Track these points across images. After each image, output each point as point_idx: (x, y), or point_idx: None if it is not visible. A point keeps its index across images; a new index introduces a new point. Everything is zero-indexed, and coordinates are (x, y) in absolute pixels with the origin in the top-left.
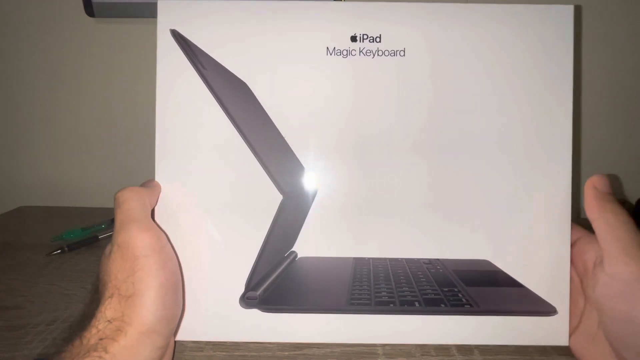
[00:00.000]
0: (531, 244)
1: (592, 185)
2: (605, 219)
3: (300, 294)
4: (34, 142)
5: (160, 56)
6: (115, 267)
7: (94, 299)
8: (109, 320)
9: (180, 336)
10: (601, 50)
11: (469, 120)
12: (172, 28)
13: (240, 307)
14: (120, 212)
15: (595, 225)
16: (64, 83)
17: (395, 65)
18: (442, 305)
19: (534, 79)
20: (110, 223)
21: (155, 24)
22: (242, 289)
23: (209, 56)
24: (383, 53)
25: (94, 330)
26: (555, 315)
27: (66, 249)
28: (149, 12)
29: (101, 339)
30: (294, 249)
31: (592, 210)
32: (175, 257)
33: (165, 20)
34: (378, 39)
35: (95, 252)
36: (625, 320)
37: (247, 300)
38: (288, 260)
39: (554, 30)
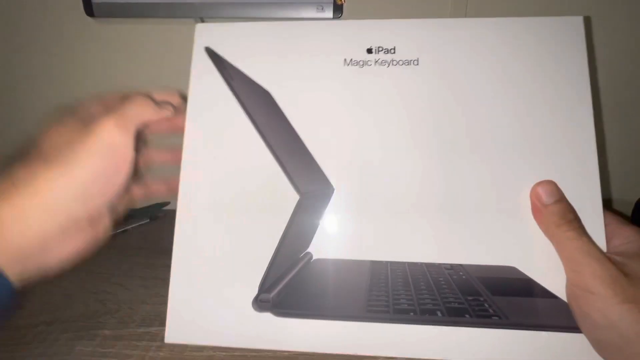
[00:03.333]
0: None
1: (537, 197)
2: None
3: (315, 298)
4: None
5: (195, 69)
6: (69, 134)
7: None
8: (13, 183)
9: (186, 339)
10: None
11: (489, 125)
12: (206, 46)
13: (252, 312)
14: (122, 106)
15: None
16: (64, 83)
17: (410, 74)
18: (467, 316)
19: (552, 85)
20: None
21: (155, 24)
22: (254, 292)
23: (237, 69)
24: (397, 63)
25: None
26: None
27: None
28: (149, 12)
29: None
30: (309, 250)
31: (542, 229)
32: (127, 165)
33: (201, 40)
34: (392, 51)
35: (95, 252)
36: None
37: (260, 302)
38: (303, 262)
39: (567, 39)
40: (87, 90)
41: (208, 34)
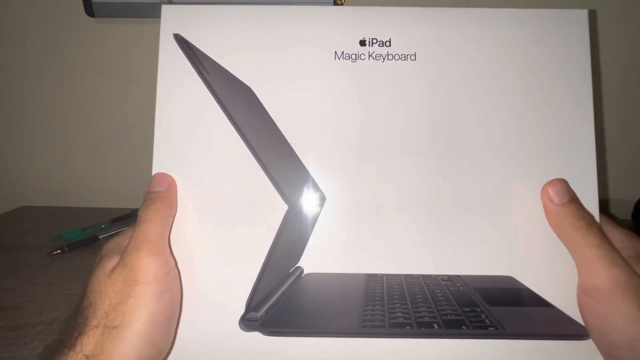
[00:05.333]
0: (557, 258)
1: (548, 198)
2: (575, 244)
3: (307, 315)
4: (35, 142)
5: (162, 60)
6: (113, 289)
7: (76, 321)
8: (86, 356)
9: None
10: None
11: (486, 124)
12: (176, 32)
13: (239, 331)
14: (138, 231)
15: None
16: (64, 83)
17: (406, 69)
18: (464, 328)
19: (552, 80)
20: (111, 223)
21: (155, 24)
22: (241, 310)
23: (213, 60)
24: (393, 57)
25: None
26: (590, 339)
27: (66, 249)
28: (149, 12)
29: None
30: (299, 264)
31: (556, 231)
32: (178, 286)
33: (169, 25)
34: (388, 43)
35: (95, 252)
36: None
37: (248, 322)
38: (293, 277)
39: (570, 33)
40: (87, 91)
41: (177, 18)
